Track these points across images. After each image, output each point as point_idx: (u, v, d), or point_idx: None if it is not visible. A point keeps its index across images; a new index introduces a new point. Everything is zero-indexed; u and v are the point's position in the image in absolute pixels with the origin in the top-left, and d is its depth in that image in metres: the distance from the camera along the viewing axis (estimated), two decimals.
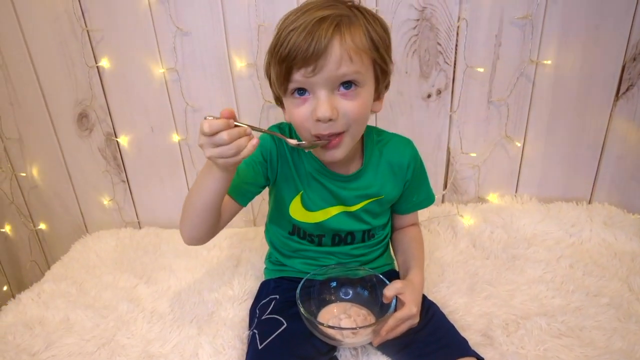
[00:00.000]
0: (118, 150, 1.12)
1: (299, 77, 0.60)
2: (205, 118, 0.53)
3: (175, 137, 1.09)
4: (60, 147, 1.13)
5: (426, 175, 0.80)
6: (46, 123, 1.10)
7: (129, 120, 1.09)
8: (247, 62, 0.99)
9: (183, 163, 1.12)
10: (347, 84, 0.61)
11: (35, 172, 1.17)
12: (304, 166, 0.72)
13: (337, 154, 0.65)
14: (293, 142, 0.64)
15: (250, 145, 0.55)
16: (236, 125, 0.55)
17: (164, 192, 1.16)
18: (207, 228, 0.67)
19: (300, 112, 0.63)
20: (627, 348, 0.69)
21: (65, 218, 1.22)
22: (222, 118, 0.54)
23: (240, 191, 0.71)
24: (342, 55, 0.58)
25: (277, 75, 0.62)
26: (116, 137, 1.10)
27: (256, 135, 0.57)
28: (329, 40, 0.57)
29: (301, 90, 0.62)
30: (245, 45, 0.98)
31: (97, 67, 1.03)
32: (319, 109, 0.60)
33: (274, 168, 0.72)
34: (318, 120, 0.61)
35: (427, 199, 0.81)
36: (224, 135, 0.53)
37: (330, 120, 0.61)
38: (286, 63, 0.59)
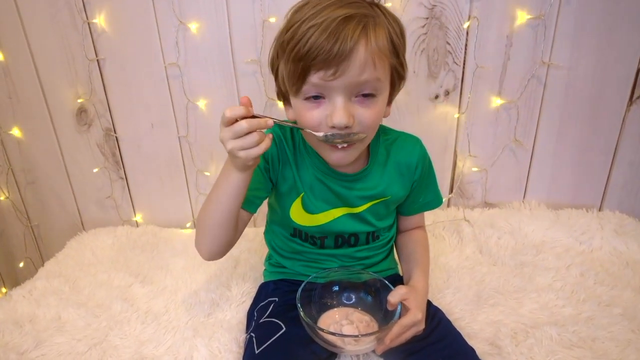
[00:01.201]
0: (117, 146, 1.10)
1: (316, 80, 0.56)
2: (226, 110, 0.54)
3: (176, 134, 1.07)
4: (58, 142, 1.11)
5: (434, 176, 0.77)
6: (45, 117, 1.08)
7: (128, 116, 1.07)
8: (250, 59, 0.97)
9: (183, 161, 1.10)
10: (366, 94, 0.58)
11: (32, 167, 1.15)
12: (306, 167, 0.70)
13: (345, 157, 0.63)
14: (320, 134, 0.60)
15: (267, 138, 0.55)
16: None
17: (163, 191, 1.14)
18: (226, 240, 0.66)
19: (313, 116, 0.59)
20: None
21: (61, 215, 1.19)
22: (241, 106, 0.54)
23: (248, 199, 0.68)
24: (366, 60, 0.55)
25: (290, 74, 0.57)
26: (115, 133, 1.08)
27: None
28: (355, 42, 0.53)
29: (316, 96, 0.58)
30: (249, 41, 0.96)
31: (98, 61, 1.01)
32: (335, 115, 0.57)
33: (275, 170, 0.70)
34: (333, 127, 0.58)
35: (435, 201, 0.78)
36: (244, 124, 0.53)
37: (346, 127, 0.58)
38: (303, 62, 0.55)
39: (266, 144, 0.55)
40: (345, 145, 0.61)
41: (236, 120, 0.54)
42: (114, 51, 1.00)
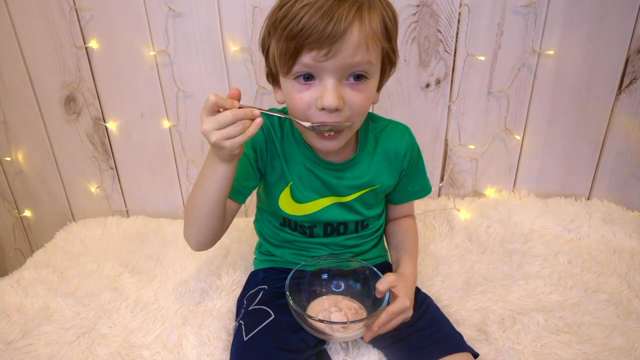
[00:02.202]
0: (106, 135, 1.09)
1: (308, 60, 0.55)
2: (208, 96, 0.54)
3: (166, 123, 1.06)
4: (46, 132, 1.09)
5: (423, 164, 0.77)
6: (32, 106, 1.06)
7: (118, 105, 1.05)
8: (241, 46, 0.96)
9: (174, 150, 1.09)
10: (358, 76, 0.57)
11: (20, 156, 1.13)
12: (295, 157, 0.69)
13: (333, 144, 0.63)
14: (307, 124, 0.59)
15: (254, 123, 0.54)
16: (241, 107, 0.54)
17: (153, 181, 1.13)
18: (214, 230, 0.66)
19: (302, 98, 0.58)
20: (627, 345, 0.67)
21: (51, 205, 1.18)
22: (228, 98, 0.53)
23: (236, 189, 0.69)
24: (359, 41, 0.54)
25: (282, 53, 0.56)
26: (105, 122, 1.07)
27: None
28: (349, 23, 0.52)
29: (307, 75, 0.57)
30: (240, 28, 0.95)
31: (86, 48, 0.99)
32: (325, 97, 0.56)
33: (264, 160, 0.70)
34: (323, 109, 0.57)
35: (423, 189, 0.78)
36: (229, 114, 0.52)
37: (336, 110, 0.57)
38: (296, 41, 0.54)
39: (254, 128, 0.54)
40: (332, 133, 0.61)
41: (219, 111, 0.54)
42: (103, 38, 0.98)
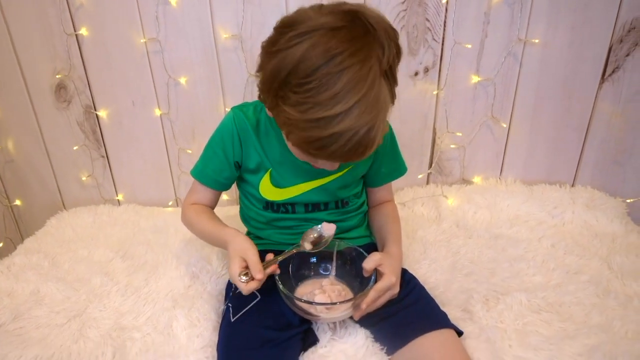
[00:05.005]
0: (97, 124, 1.09)
1: (322, 160, 0.60)
2: (240, 279, 0.62)
3: (157, 112, 1.06)
4: (37, 120, 1.09)
5: (396, 146, 0.79)
6: (22, 94, 1.06)
7: (109, 93, 1.05)
8: (231, 34, 0.97)
9: (165, 138, 1.09)
10: None
11: (10, 145, 1.13)
12: (272, 144, 0.71)
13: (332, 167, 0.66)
14: (309, 247, 0.68)
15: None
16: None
17: (145, 169, 1.13)
18: None
19: (304, 159, 0.62)
20: (606, 323, 0.69)
21: (41, 194, 1.18)
22: (254, 280, 0.61)
23: (219, 183, 0.76)
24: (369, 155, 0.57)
25: (298, 145, 0.56)
26: (95, 110, 1.07)
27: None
28: (370, 149, 0.55)
29: None
30: (230, 16, 0.95)
31: (76, 35, 0.99)
32: (327, 165, 0.62)
33: (236, 150, 0.72)
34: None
35: (397, 170, 0.80)
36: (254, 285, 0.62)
37: None
38: (320, 155, 0.56)
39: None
40: None
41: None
42: (93, 25, 0.98)
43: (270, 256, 0.64)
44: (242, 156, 0.72)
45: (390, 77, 0.56)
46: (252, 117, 0.71)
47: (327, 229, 0.68)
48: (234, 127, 0.71)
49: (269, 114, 0.61)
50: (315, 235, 0.69)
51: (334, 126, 0.51)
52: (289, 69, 0.52)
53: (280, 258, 0.66)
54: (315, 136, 0.53)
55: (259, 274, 0.61)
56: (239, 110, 0.72)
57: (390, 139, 0.77)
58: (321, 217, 0.76)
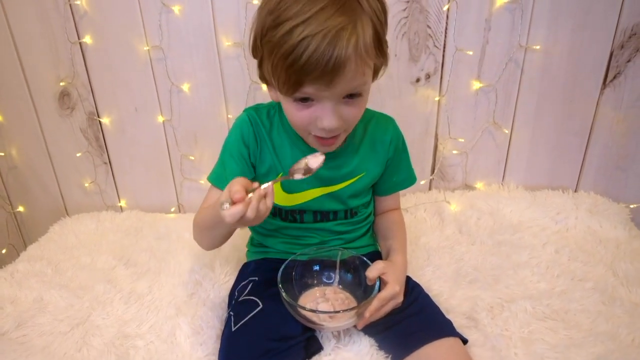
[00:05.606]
0: (100, 130, 1.09)
1: (310, 90, 0.57)
2: (222, 208, 0.54)
3: (160, 118, 1.06)
4: (40, 126, 1.09)
5: (408, 155, 0.79)
6: (26, 101, 1.06)
7: (112, 100, 1.06)
8: (234, 41, 0.97)
9: (167, 145, 1.10)
10: (353, 95, 0.59)
11: (14, 151, 1.14)
12: (285, 148, 0.71)
13: (331, 148, 0.66)
14: (298, 176, 0.62)
15: (265, 208, 0.56)
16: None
17: (147, 175, 1.14)
18: (223, 239, 0.72)
19: (302, 117, 0.61)
20: (612, 331, 0.69)
21: (44, 200, 1.18)
22: (237, 203, 0.53)
23: None
24: (356, 68, 0.56)
25: (280, 80, 0.57)
26: (99, 117, 1.08)
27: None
28: (348, 56, 0.54)
29: (306, 98, 0.59)
30: (233, 23, 0.96)
31: (80, 43, 1.00)
32: (325, 119, 0.59)
33: (255, 153, 0.71)
34: (323, 128, 0.60)
35: (408, 180, 0.80)
36: (249, 214, 0.54)
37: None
38: (297, 76, 0.55)
39: (265, 212, 0.56)
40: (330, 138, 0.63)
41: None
42: (97, 33, 0.99)
43: (255, 184, 0.57)
44: (257, 157, 0.72)
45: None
46: (265, 120, 0.72)
47: (314, 162, 0.63)
48: (251, 127, 0.70)
49: (259, 74, 0.64)
50: (302, 166, 0.63)
51: (303, 30, 0.52)
52: (268, 8, 0.56)
53: (266, 184, 0.58)
54: (288, 49, 0.53)
55: (234, 187, 0.54)
56: (254, 111, 0.72)
57: (403, 148, 0.77)
58: (329, 228, 0.75)
